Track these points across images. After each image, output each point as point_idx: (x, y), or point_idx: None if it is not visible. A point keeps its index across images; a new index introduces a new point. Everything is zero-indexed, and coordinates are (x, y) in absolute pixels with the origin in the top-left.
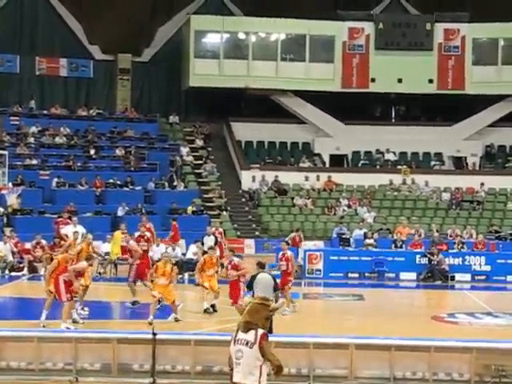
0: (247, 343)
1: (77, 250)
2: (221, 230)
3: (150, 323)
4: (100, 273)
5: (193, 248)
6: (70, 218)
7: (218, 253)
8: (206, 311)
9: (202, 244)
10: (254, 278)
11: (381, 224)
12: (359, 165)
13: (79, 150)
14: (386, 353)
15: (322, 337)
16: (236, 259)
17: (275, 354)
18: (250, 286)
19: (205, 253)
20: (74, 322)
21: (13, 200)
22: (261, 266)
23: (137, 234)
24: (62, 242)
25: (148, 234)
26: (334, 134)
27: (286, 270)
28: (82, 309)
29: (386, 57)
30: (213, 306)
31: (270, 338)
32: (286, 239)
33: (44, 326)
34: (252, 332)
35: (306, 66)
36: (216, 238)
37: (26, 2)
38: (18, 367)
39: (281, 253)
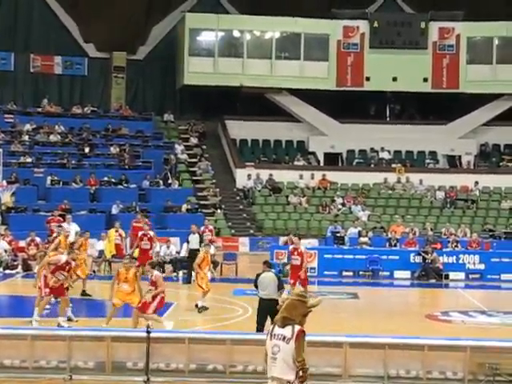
0: (284, 338)
1: (55, 243)
2: (211, 227)
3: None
4: (94, 271)
5: (186, 246)
6: (61, 216)
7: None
8: (200, 310)
9: (188, 242)
10: (258, 276)
11: (375, 222)
12: (354, 163)
13: (74, 148)
14: (380, 351)
15: (316, 335)
16: (156, 273)
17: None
18: (255, 284)
19: (191, 251)
20: (69, 319)
21: (7, 198)
22: (268, 265)
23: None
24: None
25: (151, 233)
26: (329, 133)
27: (299, 264)
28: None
29: (380, 55)
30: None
31: (263, 336)
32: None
33: (32, 323)
34: (289, 327)
35: (300, 64)
36: (201, 236)
37: (21, 0)
38: (12, 365)
39: (291, 247)
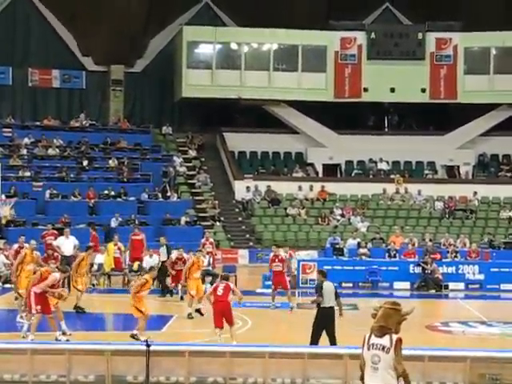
0: (383, 348)
1: (21, 255)
2: (212, 240)
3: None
4: (94, 284)
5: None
6: (56, 229)
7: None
8: (190, 316)
9: (158, 255)
10: (320, 286)
11: (374, 233)
12: (352, 174)
13: (72, 162)
14: None
15: (317, 347)
16: None
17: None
18: (320, 294)
19: (163, 263)
20: (64, 333)
21: (6, 212)
22: (323, 274)
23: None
24: (56, 254)
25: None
26: (327, 144)
27: (281, 270)
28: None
29: (378, 66)
30: (198, 310)
31: (265, 349)
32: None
33: (24, 337)
34: (387, 337)
35: (298, 75)
36: (168, 248)
37: (19, 14)
38: (12, 380)
39: (272, 254)
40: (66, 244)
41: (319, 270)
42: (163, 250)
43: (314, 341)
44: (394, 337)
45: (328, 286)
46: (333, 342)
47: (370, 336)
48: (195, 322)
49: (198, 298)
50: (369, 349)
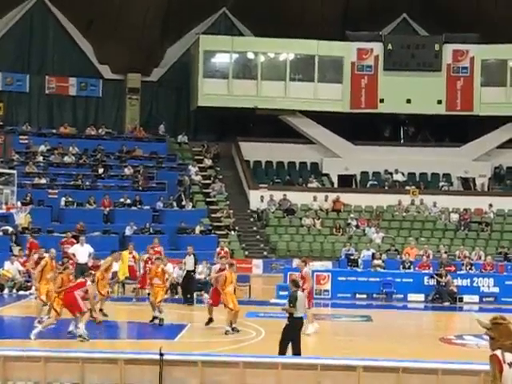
0: None
1: (41, 264)
2: (227, 249)
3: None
4: (108, 292)
5: (199, 268)
6: (74, 237)
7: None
8: (228, 333)
9: (184, 264)
10: (295, 296)
11: (389, 245)
12: (368, 185)
13: (88, 169)
14: (394, 375)
15: (330, 358)
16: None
17: None
18: (291, 302)
19: (188, 272)
20: (80, 336)
21: (21, 219)
22: (295, 284)
23: (145, 255)
24: (71, 261)
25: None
26: (343, 155)
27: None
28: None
29: (394, 77)
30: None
31: (278, 360)
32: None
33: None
34: None
35: (314, 86)
36: (196, 257)
37: (36, 22)
38: None
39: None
40: (81, 252)
41: (292, 280)
42: (190, 259)
43: (283, 351)
44: None
45: (301, 297)
46: (297, 352)
47: (502, 354)
48: (208, 332)
49: (235, 312)
50: (510, 367)
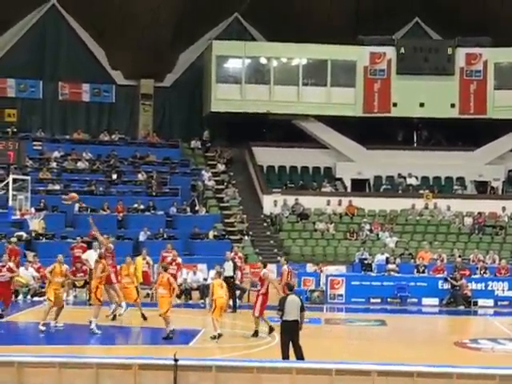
0: None
1: (49, 268)
2: (241, 254)
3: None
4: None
5: (212, 273)
6: (85, 242)
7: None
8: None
9: (223, 270)
10: (284, 299)
11: (403, 249)
12: (381, 189)
13: (101, 175)
14: (409, 379)
15: (344, 363)
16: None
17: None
18: (280, 307)
19: (227, 278)
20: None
21: (36, 225)
22: (289, 288)
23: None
24: (84, 267)
25: (180, 260)
26: (356, 159)
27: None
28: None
29: (407, 81)
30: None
31: (293, 364)
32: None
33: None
34: None
35: (327, 90)
36: (235, 263)
37: (49, 28)
38: None
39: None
40: (95, 257)
41: (286, 283)
42: (229, 265)
43: (285, 354)
44: None
45: (292, 300)
46: (298, 355)
47: None
48: (222, 337)
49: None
50: None
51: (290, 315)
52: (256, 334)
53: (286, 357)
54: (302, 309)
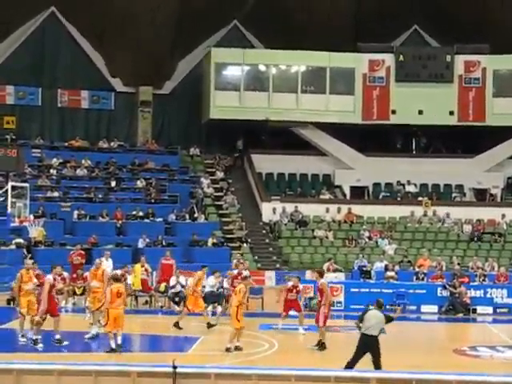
0: None
1: (17, 277)
2: (247, 264)
3: None
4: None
5: (211, 280)
6: (83, 249)
7: None
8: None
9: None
10: (365, 312)
11: (402, 256)
12: (380, 197)
13: (100, 182)
14: None
15: (343, 370)
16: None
17: None
18: (359, 318)
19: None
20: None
21: (36, 233)
22: (379, 305)
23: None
24: (85, 275)
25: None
26: (355, 166)
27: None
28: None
29: (406, 89)
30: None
31: (292, 372)
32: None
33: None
34: None
35: (326, 98)
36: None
37: (48, 35)
38: None
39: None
40: (107, 266)
41: (377, 300)
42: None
43: (350, 364)
44: None
45: (374, 315)
46: (376, 366)
47: None
48: (221, 344)
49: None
50: None
51: (369, 330)
52: (320, 344)
53: (349, 366)
54: (389, 321)
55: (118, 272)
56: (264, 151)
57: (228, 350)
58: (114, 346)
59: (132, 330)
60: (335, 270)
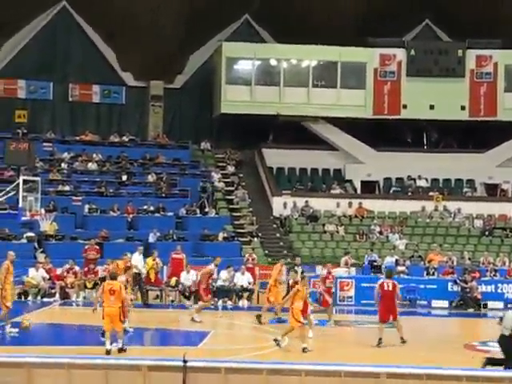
0: None
1: (4, 268)
2: (254, 256)
3: None
4: (131, 299)
5: (224, 274)
6: (98, 244)
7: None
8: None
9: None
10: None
11: (412, 251)
12: (391, 191)
13: (111, 176)
14: (418, 381)
15: (354, 365)
16: None
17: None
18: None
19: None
20: None
21: (47, 226)
22: None
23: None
24: (96, 269)
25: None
26: (366, 161)
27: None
28: None
29: (417, 83)
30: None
31: (302, 366)
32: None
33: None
34: None
35: (337, 92)
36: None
37: (59, 30)
38: None
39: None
40: (139, 261)
41: None
42: (298, 269)
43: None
44: None
45: (509, 316)
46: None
47: None
48: (232, 339)
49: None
50: None
51: (504, 330)
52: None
53: (485, 364)
54: None
55: (121, 264)
56: (275, 146)
57: (304, 350)
58: (108, 347)
59: (143, 324)
60: (353, 265)
